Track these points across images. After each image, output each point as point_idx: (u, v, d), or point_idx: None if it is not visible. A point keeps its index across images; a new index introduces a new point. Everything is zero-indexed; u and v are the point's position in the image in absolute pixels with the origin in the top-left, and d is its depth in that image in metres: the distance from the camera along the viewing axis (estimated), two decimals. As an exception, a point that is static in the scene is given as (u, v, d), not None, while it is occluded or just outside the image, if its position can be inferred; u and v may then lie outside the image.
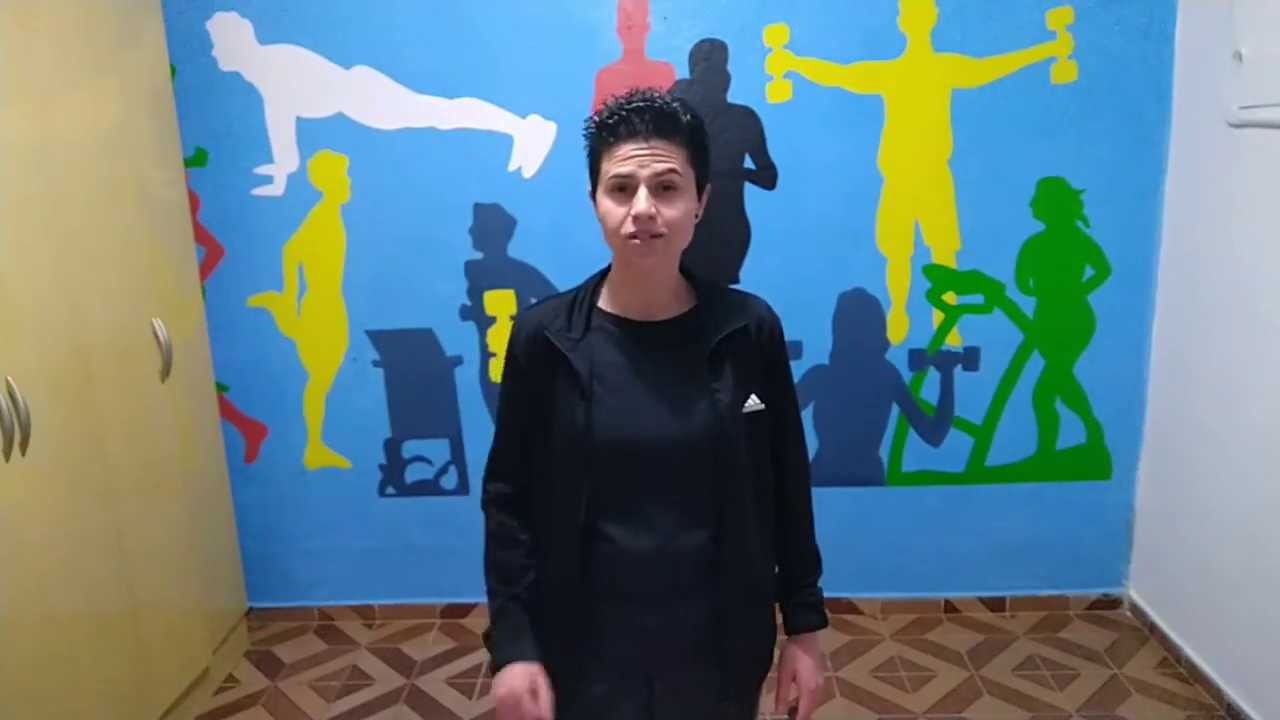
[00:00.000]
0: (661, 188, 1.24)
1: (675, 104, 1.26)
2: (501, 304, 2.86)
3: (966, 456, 2.93)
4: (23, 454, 1.88)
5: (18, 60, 1.96)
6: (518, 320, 1.39)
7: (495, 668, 1.38)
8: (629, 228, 1.23)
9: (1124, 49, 2.64)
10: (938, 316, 2.84)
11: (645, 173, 1.22)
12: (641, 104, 1.25)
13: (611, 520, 1.32)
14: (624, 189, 1.24)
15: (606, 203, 1.26)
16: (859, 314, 2.84)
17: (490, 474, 1.46)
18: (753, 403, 1.33)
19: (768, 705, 1.51)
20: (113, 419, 2.23)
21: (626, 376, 1.32)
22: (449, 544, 2.99)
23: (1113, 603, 3.00)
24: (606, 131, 1.26)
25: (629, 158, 1.23)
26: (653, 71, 2.70)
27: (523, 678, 1.35)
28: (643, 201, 1.22)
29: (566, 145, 2.72)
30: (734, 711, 1.43)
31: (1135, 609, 2.94)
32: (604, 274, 1.39)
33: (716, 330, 1.32)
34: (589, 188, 1.34)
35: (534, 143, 2.74)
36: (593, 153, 1.30)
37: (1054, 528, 2.96)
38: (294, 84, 2.72)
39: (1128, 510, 2.94)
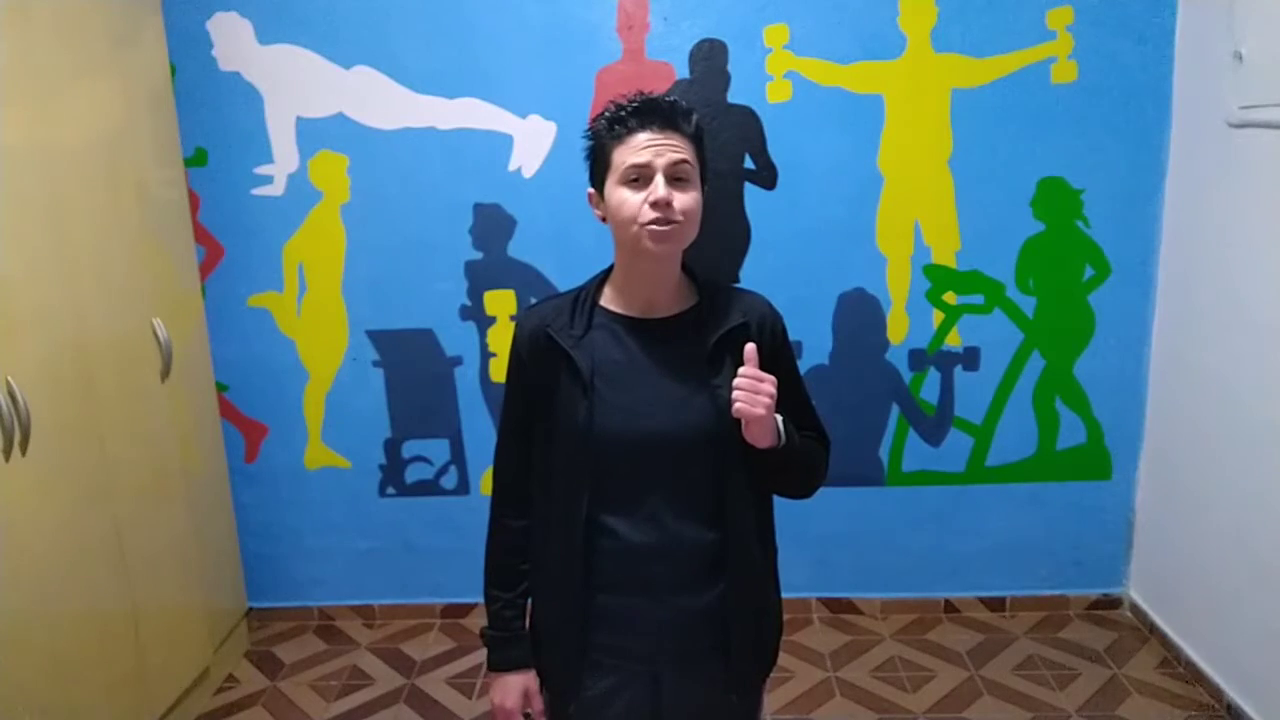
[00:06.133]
0: (675, 178, 1.26)
1: (683, 103, 1.31)
2: (501, 304, 2.86)
3: (966, 456, 2.93)
4: (23, 454, 1.88)
5: (18, 60, 1.96)
6: (520, 319, 1.40)
7: (490, 668, 1.45)
8: (647, 215, 1.25)
9: (1124, 49, 2.64)
10: (938, 316, 2.84)
11: (662, 161, 1.25)
12: (653, 99, 1.29)
13: (614, 515, 1.34)
14: (639, 179, 1.26)
15: (621, 193, 1.27)
16: (859, 314, 2.84)
17: (495, 472, 1.47)
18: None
19: (769, 703, 1.51)
20: (113, 419, 2.23)
21: (628, 373, 1.33)
22: (449, 544, 2.99)
23: (1113, 603, 3.00)
24: (619, 125, 1.28)
25: (645, 147, 1.26)
26: (653, 71, 2.70)
27: (516, 691, 1.42)
28: (661, 187, 1.24)
29: (566, 145, 2.72)
30: (738, 705, 1.43)
31: (1135, 609, 2.94)
32: (606, 274, 1.40)
33: (717, 327, 1.34)
34: (589, 189, 1.35)
35: (534, 143, 2.74)
36: (600, 148, 1.31)
37: (1054, 528, 2.96)
38: (294, 84, 2.72)
39: (1128, 510, 2.94)
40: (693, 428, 1.31)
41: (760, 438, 1.28)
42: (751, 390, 1.24)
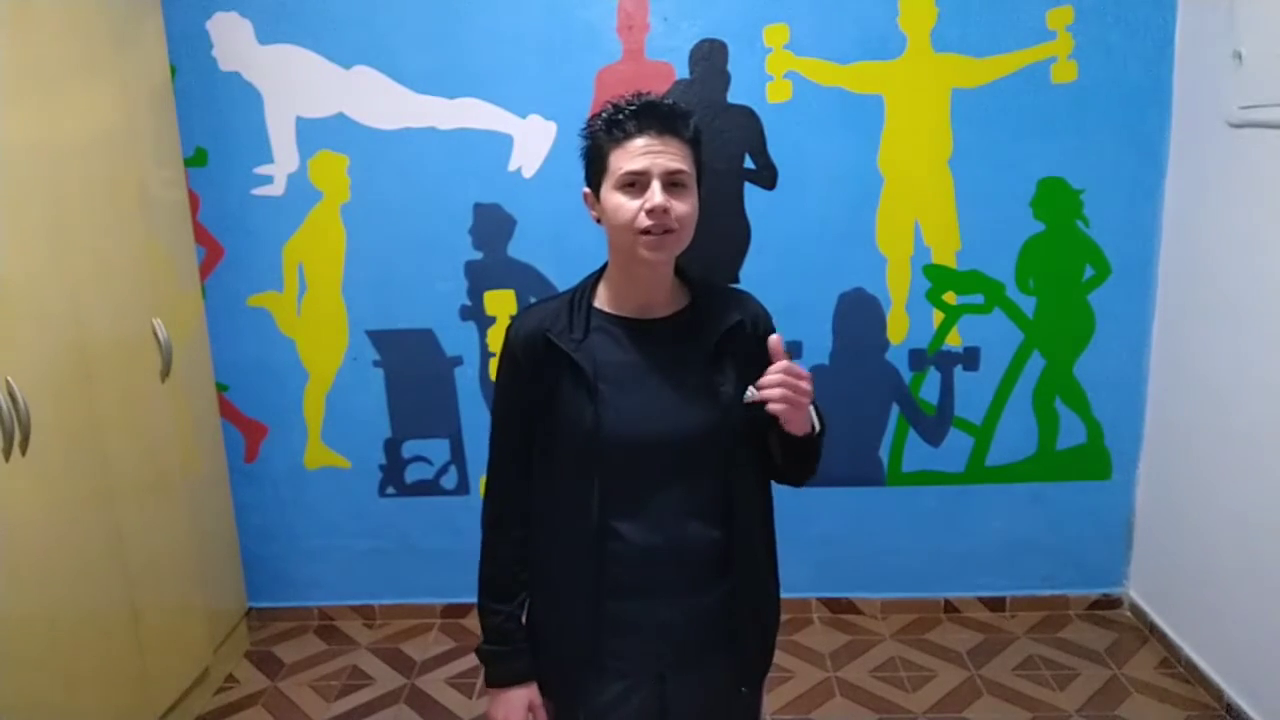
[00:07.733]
0: (671, 185, 1.25)
1: (681, 106, 1.30)
2: (501, 304, 2.86)
3: (966, 456, 2.93)
4: (23, 454, 1.88)
5: (18, 60, 1.96)
6: (514, 323, 1.37)
7: (490, 683, 1.42)
8: (643, 222, 1.24)
9: (1124, 49, 2.64)
10: (938, 316, 2.84)
11: (659, 169, 1.24)
12: (652, 102, 1.28)
13: (621, 518, 1.33)
14: (635, 184, 1.25)
15: (617, 198, 1.26)
16: (859, 314, 2.84)
17: (490, 480, 1.43)
18: (751, 394, 1.33)
19: (769, 703, 1.51)
20: (113, 419, 2.23)
21: (631, 375, 1.33)
22: (449, 544, 2.99)
23: (1113, 603, 3.00)
24: (617, 128, 1.27)
25: (643, 153, 1.24)
26: (653, 71, 2.70)
27: (521, 706, 1.39)
28: (658, 195, 1.23)
29: (566, 145, 2.72)
30: (747, 699, 1.43)
31: (1135, 609, 2.94)
32: (598, 275, 1.40)
33: (716, 326, 1.33)
34: (585, 189, 1.34)
35: (534, 143, 2.74)
36: (597, 151, 1.30)
37: (1054, 528, 2.96)
38: (294, 84, 2.72)
39: (1128, 510, 2.94)
40: (697, 427, 1.31)
41: (799, 426, 1.27)
42: (792, 389, 1.22)
